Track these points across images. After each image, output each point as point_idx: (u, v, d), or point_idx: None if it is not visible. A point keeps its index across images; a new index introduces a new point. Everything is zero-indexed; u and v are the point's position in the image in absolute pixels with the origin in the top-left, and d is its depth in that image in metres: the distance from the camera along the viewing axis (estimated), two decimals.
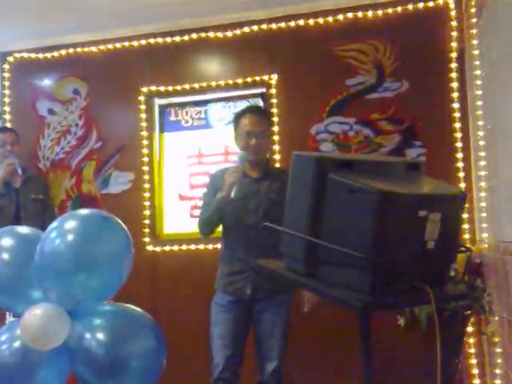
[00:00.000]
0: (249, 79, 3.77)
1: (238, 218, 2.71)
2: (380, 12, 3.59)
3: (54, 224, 1.51)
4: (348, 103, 3.60)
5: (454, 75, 3.47)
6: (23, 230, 1.62)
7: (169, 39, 3.91)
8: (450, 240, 1.64)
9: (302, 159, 1.69)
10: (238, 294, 2.71)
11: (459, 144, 3.43)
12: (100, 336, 1.42)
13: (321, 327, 3.38)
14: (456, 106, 3.45)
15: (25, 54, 4.12)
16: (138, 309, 1.57)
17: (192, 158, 3.91)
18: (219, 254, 2.87)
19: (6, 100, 4.15)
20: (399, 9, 3.57)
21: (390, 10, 3.59)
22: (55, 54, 4.07)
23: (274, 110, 3.70)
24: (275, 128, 3.66)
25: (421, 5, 3.54)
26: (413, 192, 1.57)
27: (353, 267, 1.51)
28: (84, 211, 1.58)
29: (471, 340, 3.29)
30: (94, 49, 4.01)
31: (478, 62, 3.16)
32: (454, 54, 3.48)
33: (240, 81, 3.78)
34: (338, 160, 1.65)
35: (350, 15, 3.63)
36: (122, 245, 1.54)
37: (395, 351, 3.19)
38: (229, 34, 3.82)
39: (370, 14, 3.60)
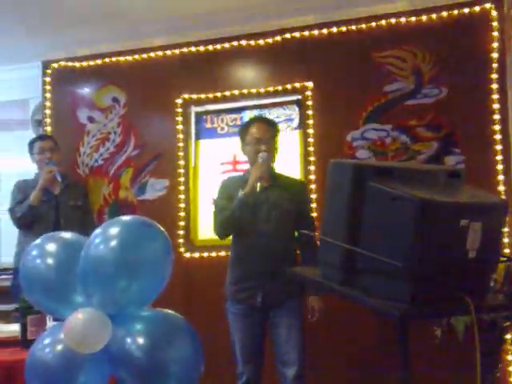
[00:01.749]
0: (284, 86, 3.77)
1: (251, 225, 2.73)
2: (418, 18, 3.54)
3: (98, 230, 1.55)
4: (385, 110, 3.56)
5: (494, 82, 3.39)
6: (67, 235, 1.66)
7: (205, 48, 3.94)
8: (491, 250, 1.61)
9: (339, 167, 1.67)
10: (249, 301, 2.74)
11: (499, 153, 3.34)
12: (140, 340, 1.44)
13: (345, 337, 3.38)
14: (496, 111, 3.37)
15: (65, 63, 4.21)
16: (178, 314, 1.59)
17: (227, 165, 3.93)
18: (228, 261, 2.90)
19: (48, 108, 4.25)
20: (438, 15, 3.51)
21: (428, 16, 3.53)
22: (95, 62, 4.15)
23: (310, 117, 3.69)
24: (310, 134, 3.65)
25: (461, 11, 3.48)
26: (454, 201, 1.54)
27: (391, 276, 1.49)
28: (126, 218, 1.60)
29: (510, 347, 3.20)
30: (131, 58, 4.07)
31: None
32: (494, 61, 3.40)
33: (275, 88, 3.79)
34: (376, 167, 1.64)
35: (387, 21, 3.59)
36: (163, 251, 1.56)
37: (432, 362, 3.12)
38: (265, 41, 3.83)
39: (408, 20, 3.55)
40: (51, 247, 1.58)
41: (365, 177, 1.57)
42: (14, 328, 2.24)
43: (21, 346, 2.08)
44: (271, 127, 2.91)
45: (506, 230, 3.17)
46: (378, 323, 3.13)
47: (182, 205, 3.89)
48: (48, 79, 4.25)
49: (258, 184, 2.68)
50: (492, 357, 2.89)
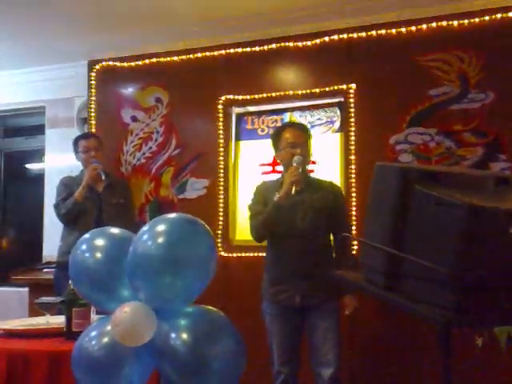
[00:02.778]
0: (326, 89, 3.75)
1: (288, 227, 2.77)
2: (465, 22, 3.47)
3: (146, 227, 1.58)
4: (430, 114, 3.50)
5: None
6: (115, 230, 1.69)
7: (248, 49, 3.96)
8: None
9: (385, 170, 1.66)
10: (287, 302, 2.76)
11: None
12: (184, 336, 1.46)
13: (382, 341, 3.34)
14: None
15: (111, 63, 4.30)
16: (220, 312, 1.61)
17: (266, 166, 3.94)
18: (265, 261, 2.92)
19: (93, 106, 4.34)
20: (485, 18, 3.43)
21: (475, 20, 3.46)
22: (139, 62, 4.23)
23: (352, 120, 3.66)
24: (352, 137, 3.63)
25: (508, 14, 3.40)
26: (503, 207, 1.50)
27: (436, 282, 1.46)
28: (172, 215, 1.63)
29: None
30: (175, 58, 4.13)
31: None
32: None
33: (317, 90, 3.77)
34: (423, 171, 1.61)
35: (433, 24, 3.53)
36: (207, 248, 1.58)
37: (472, 372, 3.06)
38: (307, 43, 3.82)
39: (454, 23, 3.48)
40: (100, 242, 1.62)
41: (411, 181, 1.54)
42: (58, 320, 2.30)
43: (65, 337, 2.14)
44: (304, 132, 2.96)
45: None
46: (419, 328, 3.09)
47: (221, 205, 3.92)
48: (94, 78, 4.34)
49: (293, 188, 2.70)
50: None
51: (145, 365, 1.52)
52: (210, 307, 1.61)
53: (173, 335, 1.46)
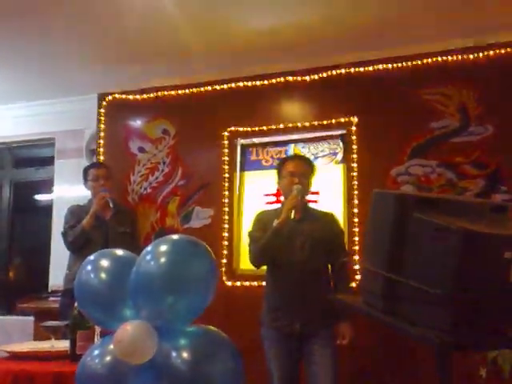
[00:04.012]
0: (329, 121, 3.84)
1: (287, 256, 2.83)
2: (465, 56, 3.57)
3: (149, 247, 1.63)
4: (431, 146, 3.57)
5: None
6: (119, 252, 1.74)
7: (253, 83, 4.07)
8: None
9: (383, 197, 1.71)
10: (286, 329, 2.80)
11: None
12: (185, 354, 1.49)
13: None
14: None
15: (120, 96, 4.42)
16: (220, 331, 1.64)
17: (270, 197, 4.00)
18: (264, 291, 2.97)
19: (102, 138, 4.45)
20: (485, 53, 3.54)
21: (475, 55, 3.56)
22: (147, 96, 4.35)
23: (354, 151, 3.74)
24: (354, 168, 3.70)
25: (507, 49, 3.49)
26: (498, 232, 1.55)
27: (433, 305, 1.50)
28: (175, 236, 1.68)
29: None
30: (182, 92, 4.25)
31: None
32: None
33: (320, 122, 3.86)
34: (420, 198, 1.66)
35: (434, 59, 3.63)
36: (208, 268, 1.63)
37: None
38: (311, 77, 3.93)
39: (454, 58, 3.59)
40: (105, 263, 1.67)
41: (408, 207, 1.59)
42: (63, 344, 2.33)
43: (69, 359, 2.17)
44: (306, 164, 3.06)
45: None
46: (421, 355, 3.09)
47: (226, 234, 3.97)
48: (103, 110, 4.46)
49: (292, 213, 2.78)
50: None
51: (146, 383, 1.55)
52: (210, 327, 1.64)
53: (173, 354, 1.49)
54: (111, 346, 1.53)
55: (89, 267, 1.67)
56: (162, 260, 1.53)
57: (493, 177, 3.43)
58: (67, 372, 1.93)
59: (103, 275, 1.63)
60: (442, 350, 1.54)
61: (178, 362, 1.47)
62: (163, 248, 1.57)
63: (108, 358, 1.56)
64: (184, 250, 1.59)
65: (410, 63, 3.69)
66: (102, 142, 4.44)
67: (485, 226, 1.56)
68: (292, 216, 2.80)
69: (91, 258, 1.70)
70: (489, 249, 1.49)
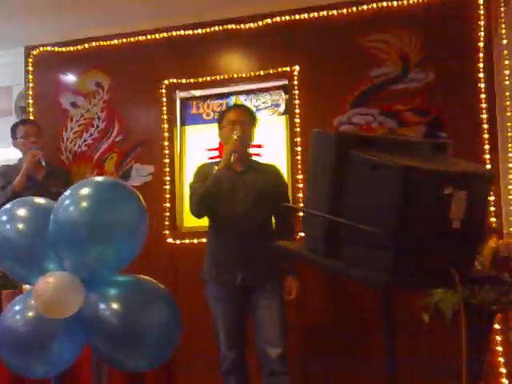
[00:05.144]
0: (270, 71, 3.73)
1: (228, 208, 2.78)
2: (405, 2, 3.52)
3: (67, 192, 1.50)
4: (372, 94, 3.54)
5: (481, 65, 3.37)
6: (38, 200, 1.61)
7: (190, 32, 3.90)
8: (477, 221, 1.58)
9: (322, 137, 1.65)
10: (229, 283, 2.76)
11: (486, 135, 3.33)
12: (115, 306, 1.40)
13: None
14: (483, 96, 3.36)
15: (48, 48, 4.16)
16: (153, 280, 1.55)
17: (213, 151, 3.89)
18: (206, 245, 2.92)
19: (30, 94, 4.18)
20: None
21: (414, 0, 3.52)
22: (78, 47, 4.10)
23: (297, 102, 3.66)
24: (297, 119, 3.63)
25: None
26: (438, 169, 1.52)
27: (375, 246, 1.46)
28: (97, 178, 1.56)
29: (498, 338, 3.19)
30: (116, 42, 4.02)
31: (506, 52, 3.08)
32: (481, 44, 3.39)
33: (262, 73, 3.75)
34: (359, 137, 1.61)
35: (373, 5, 3.57)
36: (136, 213, 1.52)
37: (420, 347, 3.12)
38: (251, 25, 3.79)
39: (394, 3, 3.53)
40: (22, 212, 1.53)
41: (348, 147, 1.54)
42: None
43: None
44: (247, 113, 3.00)
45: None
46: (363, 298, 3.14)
47: (168, 191, 3.85)
48: (31, 64, 4.19)
49: (232, 157, 2.72)
50: (480, 341, 2.89)
51: (75, 339, 1.45)
52: (142, 276, 1.55)
53: (102, 305, 1.39)
54: (33, 301, 1.41)
55: (4, 217, 1.53)
56: (84, 205, 1.41)
57: (433, 123, 3.44)
58: None
59: (20, 225, 1.49)
60: (384, 291, 1.53)
61: (107, 314, 1.37)
62: (84, 191, 1.44)
63: (30, 314, 1.44)
64: (108, 192, 1.47)
65: (349, 10, 3.61)
66: (31, 98, 4.18)
67: (424, 162, 1.52)
68: (232, 160, 2.73)
69: (7, 206, 1.56)
70: (429, 185, 1.46)
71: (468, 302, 2.61)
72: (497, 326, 3.09)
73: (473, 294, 2.57)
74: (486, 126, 3.34)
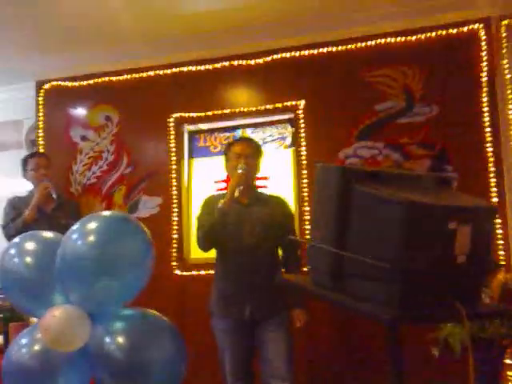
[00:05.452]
0: (277, 105, 3.79)
1: (235, 242, 2.79)
2: (408, 38, 3.59)
3: (75, 226, 1.52)
4: (377, 128, 3.58)
5: (485, 99, 3.42)
6: (47, 234, 1.63)
7: (198, 67, 3.98)
8: (482, 255, 1.58)
9: (326, 170, 1.66)
10: (237, 315, 2.75)
11: (492, 168, 3.35)
12: (120, 339, 1.40)
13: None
14: (488, 129, 3.39)
15: (59, 83, 4.24)
16: (158, 313, 1.55)
17: (220, 183, 3.92)
18: (213, 277, 2.92)
19: (41, 127, 4.26)
20: (427, 35, 3.56)
21: (417, 37, 3.58)
22: (88, 82, 4.18)
23: (302, 135, 3.71)
24: (303, 152, 3.68)
25: (450, 31, 3.53)
26: (442, 203, 1.53)
27: (380, 280, 1.46)
28: (104, 213, 1.58)
29: (510, 373, 3.13)
30: (125, 77, 4.10)
31: (509, 86, 3.12)
32: (484, 78, 3.44)
33: (268, 107, 3.81)
34: (363, 171, 1.63)
35: (377, 42, 3.64)
36: (142, 246, 1.53)
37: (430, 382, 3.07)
38: (257, 61, 3.87)
39: (398, 39, 3.60)
40: (30, 245, 1.55)
41: (351, 180, 1.55)
42: None
43: (3, 353, 2.03)
44: (252, 145, 3.01)
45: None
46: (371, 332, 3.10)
47: (175, 223, 3.87)
48: (41, 99, 4.28)
49: (237, 190, 2.74)
50: (492, 376, 2.84)
51: (82, 373, 1.45)
52: (148, 309, 1.55)
53: (107, 339, 1.40)
54: (39, 335, 1.42)
55: (13, 251, 1.54)
56: (91, 239, 1.43)
57: (439, 157, 3.47)
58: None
59: (28, 259, 1.51)
60: (390, 326, 1.52)
61: (112, 348, 1.37)
62: (91, 226, 1.46)
63: (37, 348, 1.44)
64: (115, 226, 1.49)
65: (354, 46, 3.69)
66: (41, 131, 4.25)
67: (428, 197, 1.53)
68: (237, 194, 2.75)
69: (16, 240, 1.58)
70: (433, 220, 1.46)
71: (477, 337, 2.58)
72: (508, 361, 3.04)
73: (482, 329, 2.54)
74: (491, 159, 3.36)
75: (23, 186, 3.86)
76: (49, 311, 1.39)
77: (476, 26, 3.49)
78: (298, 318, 2.82)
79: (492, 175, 3.35)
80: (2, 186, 4.75)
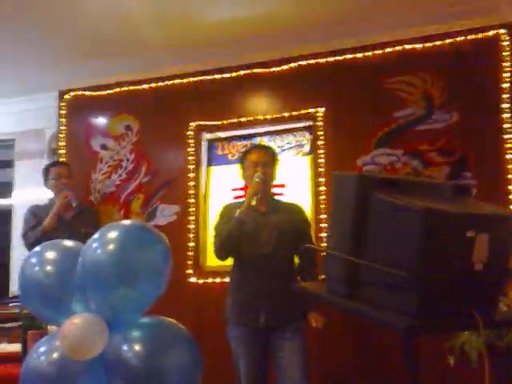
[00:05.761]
0: (295, 113, 3.79)
1: (252, 249, 2.79)
2: (428, 44, 3.57)
3: (95, 235, 1.54)
4: (396, 135, 3.55)
5: (504, 106, 3.37)
6: (67, 243, 1.65)
7: (216, 76, 4.00)
8: (500, 263, 1.56)
9: (343, 179, 1.66)
10: (252, 323, 2.74)
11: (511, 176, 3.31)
12: (137, 347, 1.41)
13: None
14: (507, 136, 3.34)
15: (80, 92, 4.31)
16: (175, 322, 1.56)
17: (237, 191, 3.93)
18: (229, 285, 2.92)
19: (62, 136, 4.32)
20: (448, 41, 3.53)
21: (437, 43, 3.56)
22: (109, 91, 4.24)
23: (321, 143, 3.70)
24: (321, 160, 3.66)
25: (471, 36, 3.50)
26: (460, 211, 1.51)
27: (396, 288, 1.45)
28: (124, 222, 1.60)
29: None
30: (145, 86, 4.15)
31: None
32: (505, 85, 3.40)
33: (286, 115, 3.81)
34: (381, 179, 1.62)
35: (397, 48, 3.62)
36: (161, 256, 1.54)
37: None
38: (275, 69, 3.88)
39: (418, 46, 3.58)
40: (50, 254, 1.57)
41: (369, 188, 1.54)
42: (16, 346, 2.22)
43: (22, 361, 2.06)
44: (269, 153, 3.01)
45: None
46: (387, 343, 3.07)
47: (192, 231, 3.88)
48: (63, 108, 4.34)
49: (254, 199, 2.74)
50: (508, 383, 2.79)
51: (98, 381, 1.46)
52: (166, 318, 1.56)
53: (125, 347, 1.41)
54: (58, 342, 1.44)
55: (33, 260, 1.57)
56: (111, 247, 1.44)
57: (458, 164, 3.43)
58: (18, 374, 1.82)
59: (49, 267, 1.53)
60: (407, 335, 1.50)
61: (129, 356, 1.38)
62: (111, 235, 1.48)
63: (55, 355, 1.46)
64: (134, 236, 1.50)
65: (373, 52, 3.67)
66: (62, 140, 4.32)
67: (446, 205, 1.52)
68: (254, 203, 2.75)
69: (37, 249, 1.60)
70: (451, 228, 1.45)
71: (494, 345, 2.55)
72: None
73: (499, 337, 2.51)
74: (510, 167, 3.31)
75: (44, 195, 3.92)
76: (69, 319, 1.41)
77: (498, 31, 3.45)
78: (315, 319, 2.80)
79: (511, 182, 3.30)
80: (24, 196, 4.83)
